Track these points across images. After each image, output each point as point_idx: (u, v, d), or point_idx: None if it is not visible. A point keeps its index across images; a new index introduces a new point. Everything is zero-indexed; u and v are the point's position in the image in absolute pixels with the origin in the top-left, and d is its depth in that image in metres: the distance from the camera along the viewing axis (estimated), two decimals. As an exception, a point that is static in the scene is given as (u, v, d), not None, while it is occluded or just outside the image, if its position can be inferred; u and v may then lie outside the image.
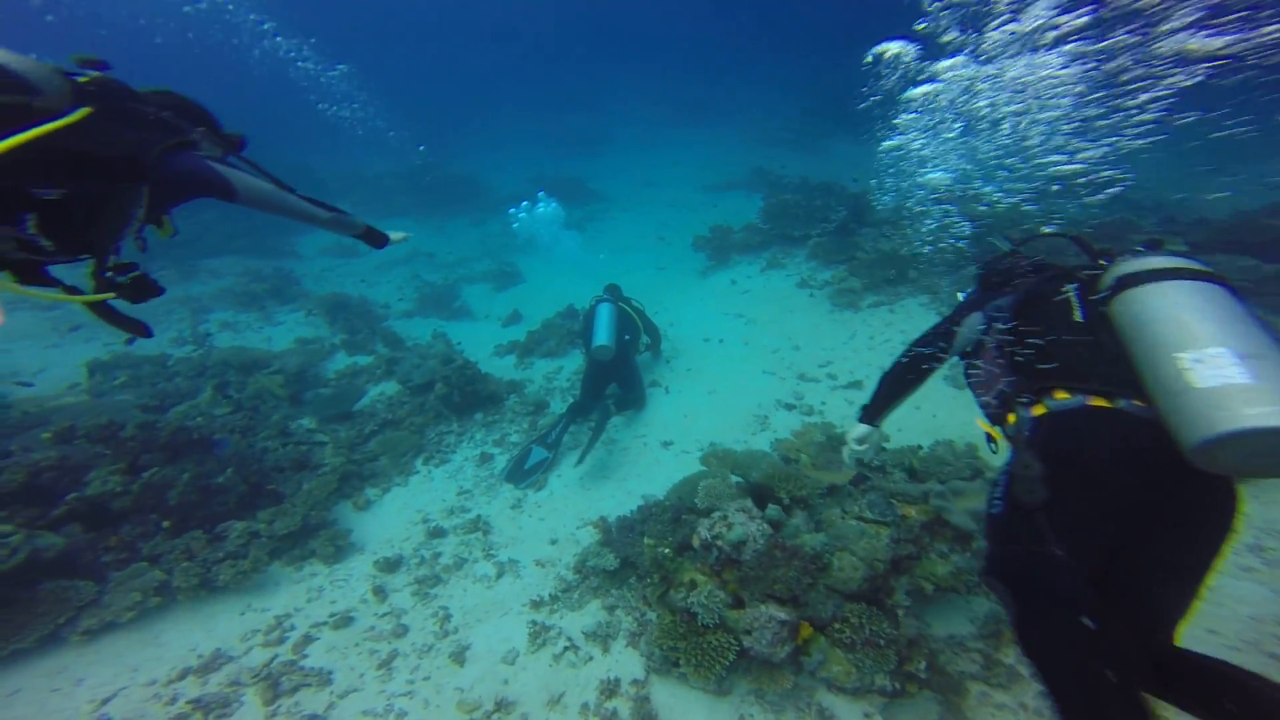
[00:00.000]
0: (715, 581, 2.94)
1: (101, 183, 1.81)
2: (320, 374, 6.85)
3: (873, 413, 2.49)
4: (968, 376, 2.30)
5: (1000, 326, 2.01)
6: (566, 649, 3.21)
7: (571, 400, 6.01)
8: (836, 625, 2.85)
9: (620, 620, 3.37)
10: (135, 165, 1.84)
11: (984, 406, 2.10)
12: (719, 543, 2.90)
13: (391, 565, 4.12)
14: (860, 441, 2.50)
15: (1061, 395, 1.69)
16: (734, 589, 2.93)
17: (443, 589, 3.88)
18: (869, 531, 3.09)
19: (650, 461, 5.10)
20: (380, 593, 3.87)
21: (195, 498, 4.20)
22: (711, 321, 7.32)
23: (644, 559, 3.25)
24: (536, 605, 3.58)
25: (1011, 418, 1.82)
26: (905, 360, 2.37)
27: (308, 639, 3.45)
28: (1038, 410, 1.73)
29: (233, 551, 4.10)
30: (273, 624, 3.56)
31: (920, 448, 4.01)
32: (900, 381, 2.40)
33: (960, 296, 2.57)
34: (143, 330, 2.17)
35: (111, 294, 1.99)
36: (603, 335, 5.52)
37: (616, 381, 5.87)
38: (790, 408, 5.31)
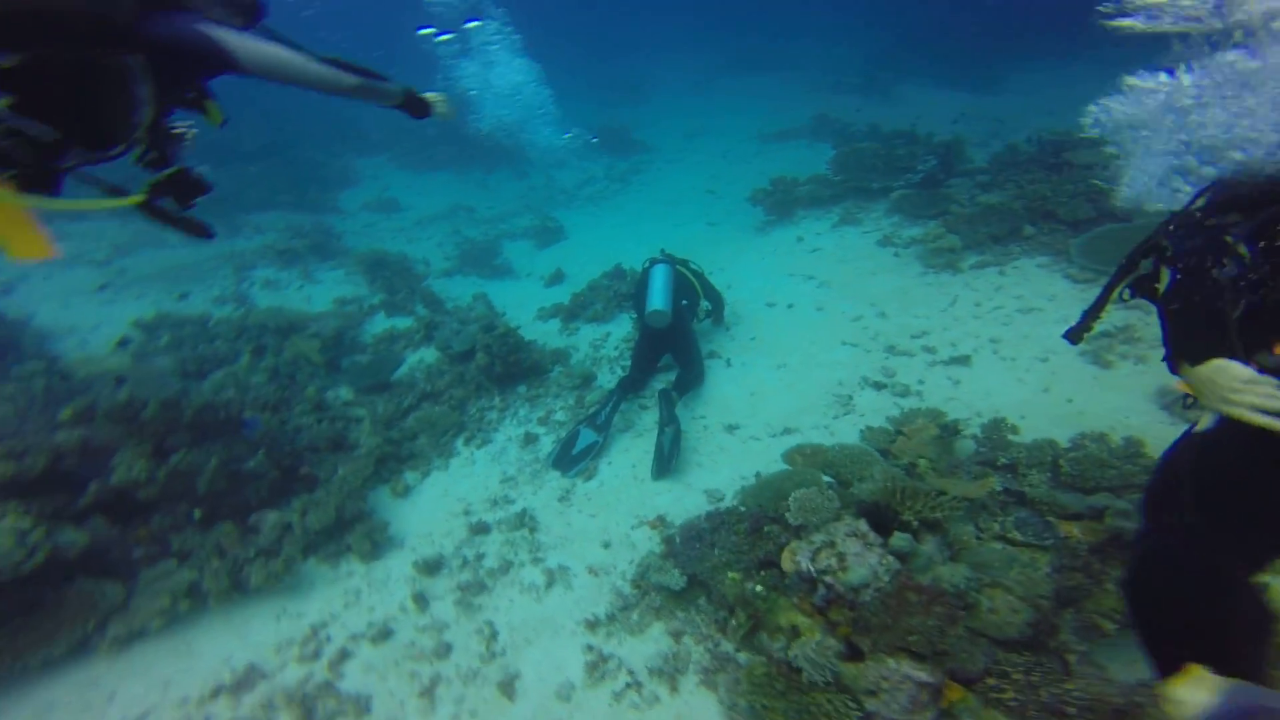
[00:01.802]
0: (822, 624, 2.35)
1: (69, 47, 1.42)
2: (358, 338, 6.49)
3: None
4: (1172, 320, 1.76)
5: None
6: (629, 686, 2.73)
7: (620, 373, 5.45)
8: (992, 680, 2.23)
9: (690, 651, 2.85)
10: (108, 27, 1.45)
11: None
12: (827, 579, 2.28)
13: (432, 567, 3.73)
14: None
15: None
16: (846, 632, 2.33)
17: (488, 599, 3.46)
18: (1020, 558, 2.40)
19: (713, 448, 4.50)
20: (421, 601, 3.49)
21: (225, 485, 3.89)
22: (776, 283, 6.50)
23: (723, 590, 2.68)
24: (592, 626, 3.11)
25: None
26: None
27: (344, 654, 3.11)
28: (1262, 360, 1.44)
29: (265, 548, 3.77)
30: (308, 634, 3.23)
31: (1057, 443, 3.25)
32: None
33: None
34: (201, 229, 2.02)
35: (139, 197, 1.76)
36: (658, 299, 4.87)
37: (671, 352, 5.24)
38: (879, 386, 4.55)
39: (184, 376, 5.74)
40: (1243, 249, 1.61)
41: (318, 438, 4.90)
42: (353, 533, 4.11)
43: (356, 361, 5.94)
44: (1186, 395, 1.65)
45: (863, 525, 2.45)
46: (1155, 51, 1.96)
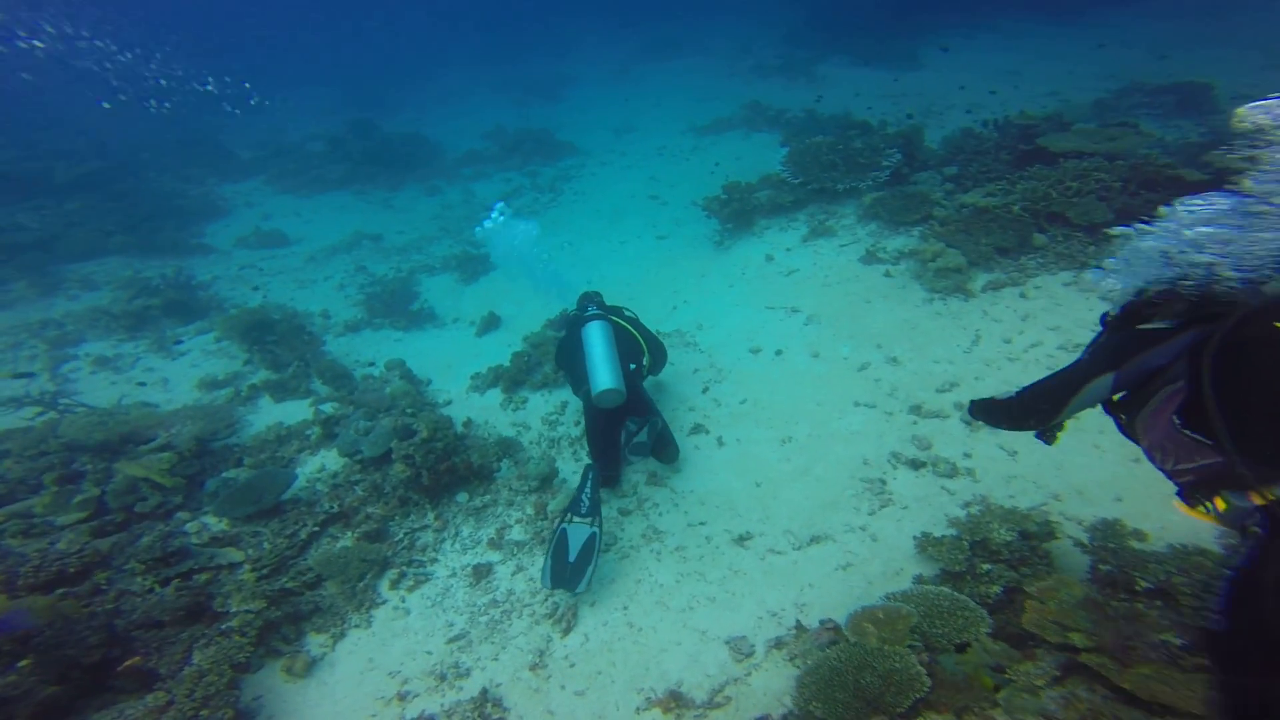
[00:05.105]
0: None
1: None
2: (232, 443, 4.90)
3: None
4: (1130, 435, 1.87)
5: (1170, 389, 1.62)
6: None
7: (585, 458, 4.34)
8: None
9: None
10: None
11: (1174, 478, 1.70)
12: None
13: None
14: None
15: None
16: None
17: None
18: None
19: (723, 570, 3.47)
20: None
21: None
22: (755, 320, 5.54)
23: None
24: None
25: (1222, 503, 1.51)
26: (1011, 409, 2.10)
27: None
28: (1262, 498, 1.41)
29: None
30: None
31: (1211, 554, 2.48)
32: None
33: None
34: None
35: None
36: (605, 375, 3.81)
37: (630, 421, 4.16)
38: (917, 465, 3.68)
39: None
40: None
41: (159, 610, 3.42)
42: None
43: (230, 480, 4.41)
44: None
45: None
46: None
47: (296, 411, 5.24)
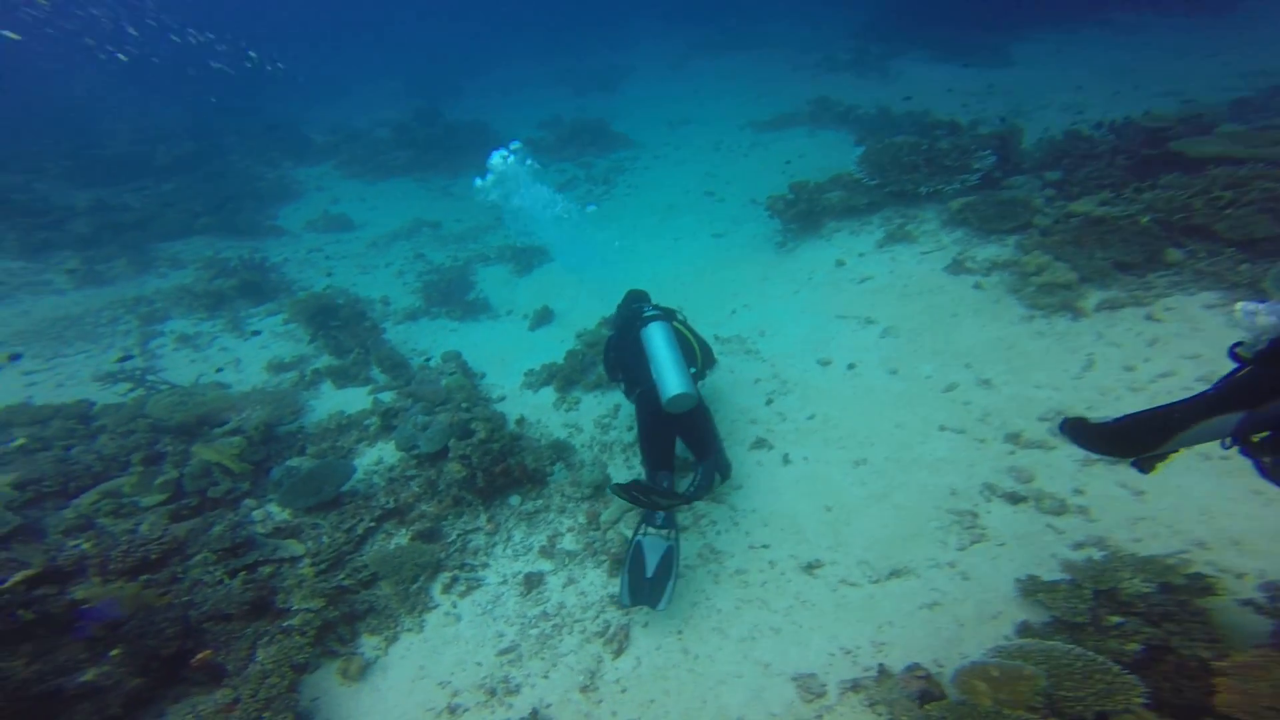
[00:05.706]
0: None
1: None
2: (295, 428, 5.00)
3: None
4: (1273, 478, 1.75)
5: None
6: None
7: (639, 465, 4.15)
8: None
9: None
10: None
11: None
12: None
13: None
14: None
15: None
16: None
17: None
18: None
19: (788, 599, 3.22)
20: None
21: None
22: (825, 330, 5.19)
23: None
24: None
25: None
26: (1109, 434, 1.96)
27: None
28: None
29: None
30: None
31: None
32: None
33: None
34: None
35: None
36: (675, 380, 3.57)
37: (682, 435, 3.87)
38: (1015, 499, 3.30)
39: (35, 501, 4.17)
40: None
41: (226, 602, 3.48)
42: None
43: (294, 469, 4.48)
44: None
45: None
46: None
47: (356, 399, 5.31)
